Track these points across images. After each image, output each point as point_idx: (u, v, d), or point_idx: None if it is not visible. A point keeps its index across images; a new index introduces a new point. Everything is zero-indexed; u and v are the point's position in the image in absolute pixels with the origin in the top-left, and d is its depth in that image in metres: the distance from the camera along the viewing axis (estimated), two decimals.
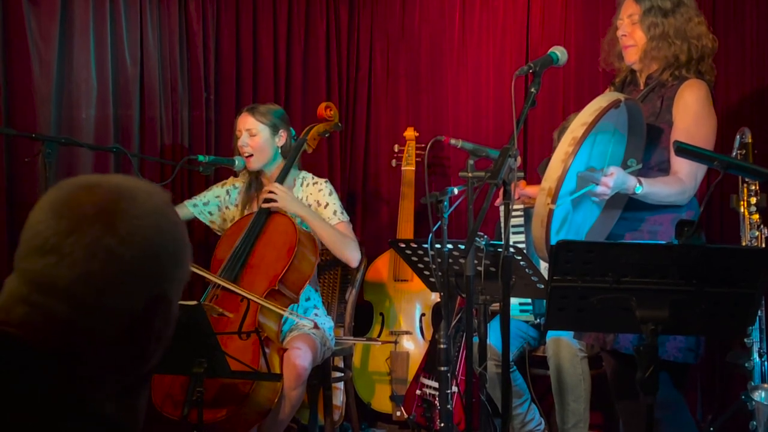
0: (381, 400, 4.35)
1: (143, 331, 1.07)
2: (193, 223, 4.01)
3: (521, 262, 2.77)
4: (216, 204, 3.81)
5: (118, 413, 1.07)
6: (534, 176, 4.14)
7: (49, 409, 0.97)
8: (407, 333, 4.36)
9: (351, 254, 3.60)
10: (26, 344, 1.01)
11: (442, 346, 2.87)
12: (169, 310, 1.10)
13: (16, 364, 0.99)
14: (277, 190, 3.53)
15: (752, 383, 3.00)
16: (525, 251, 2.98)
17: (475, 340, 2.73)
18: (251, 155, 3.66)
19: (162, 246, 1.07)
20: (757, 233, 3.07)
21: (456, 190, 2.84)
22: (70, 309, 1.02)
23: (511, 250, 2.56)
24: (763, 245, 3.04)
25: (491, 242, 2.68)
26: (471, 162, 2.66)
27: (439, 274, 2.77)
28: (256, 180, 3.76)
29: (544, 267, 3.16)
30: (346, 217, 3.71)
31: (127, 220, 1.04)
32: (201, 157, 3.65)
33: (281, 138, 3.71)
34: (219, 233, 3.77)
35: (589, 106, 2.59)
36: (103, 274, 1.02)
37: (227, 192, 3.83)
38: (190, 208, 3.78)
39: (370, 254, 4.42)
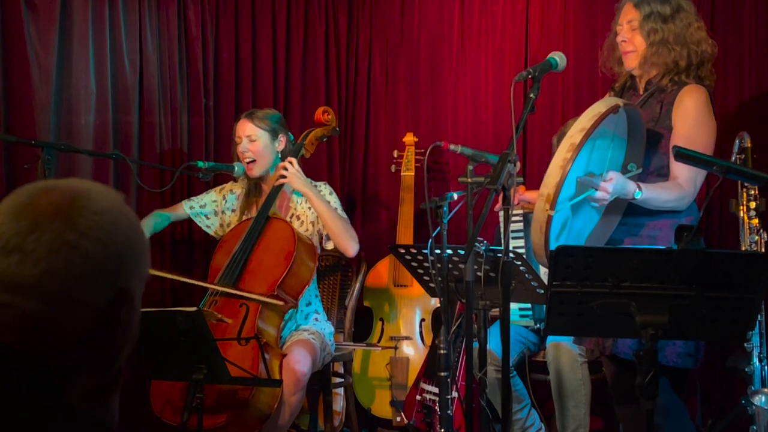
0: (381, 406, 4.34)
1: (110, 326, 1.08)
2: (195, 231, 4.00)
3: (521, 267, 2.77)
4: (212, 208, 3.81)
5: (93, 411, 1.08)
6: (533, 181, 4.14)
7: (24, 407, 0.98)
8: (407, 338, 4.36)
9: (351, 244, 3.59)
10: None
11: (442, 351, 2.87)
12: (133, 305, 1.12)
13: None
14: (290, 167, 3.56)
15: (752, 388, 3.00)
16: (524, 256, 2.98)
17: (475, 345, 2.73)
18: (253, 161, 3.65)
19: (122, 240, 1.10)
20: (756, 238, 3.08)
21: (455, 196, 2.85)
22: (38, 305, 1.03)
23: (511, 255, 2.56)
24: (763, 249, 3.04)
25: (491, 247, 2.68)
26: (470, 167, 2.67)
27: (439, 279, 2.77)
28: (255, 186, 3.75)
29: (543, 272, 3.16)
30: (345, 216, 3.70)
31: (85, 215, 1.07)
32: (200, 163, 3.64)
33: (281, 143, 3.70)
34: (217, 238, 3.77)
35: (587, 111, 2.59)
36: (68, 268, 1.04)
37: (224, 197, 3.82)
38: (186, 209, 3.78)
39: (369, 259, 4.42)
